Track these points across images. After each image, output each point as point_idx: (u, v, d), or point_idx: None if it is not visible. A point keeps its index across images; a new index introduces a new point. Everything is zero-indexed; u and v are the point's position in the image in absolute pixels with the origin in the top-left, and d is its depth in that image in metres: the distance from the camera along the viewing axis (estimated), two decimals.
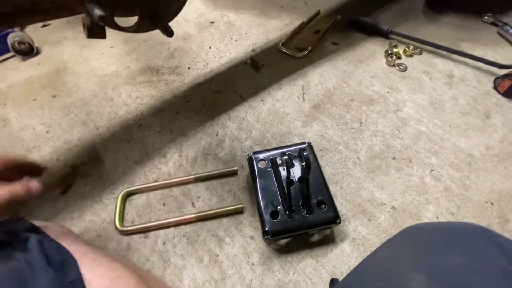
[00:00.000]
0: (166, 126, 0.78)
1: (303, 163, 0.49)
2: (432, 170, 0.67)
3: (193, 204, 0.64)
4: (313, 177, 0.56)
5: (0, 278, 0.31)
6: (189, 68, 0.93)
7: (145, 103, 0.84)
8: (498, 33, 0.95)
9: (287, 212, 0.53)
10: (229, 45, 0.99)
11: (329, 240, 0.58)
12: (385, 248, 0.33)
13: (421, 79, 0.85)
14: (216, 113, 0.80)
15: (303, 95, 0.83)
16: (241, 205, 0.61)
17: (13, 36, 0.95)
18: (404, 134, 0.73)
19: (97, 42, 1.02)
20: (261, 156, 0.61)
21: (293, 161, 0.56)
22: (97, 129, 0.79)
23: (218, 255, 0.57)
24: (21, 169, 0.45)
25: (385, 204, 0.62)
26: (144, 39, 1.02)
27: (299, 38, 1.00)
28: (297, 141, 0.73)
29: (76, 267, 0.36)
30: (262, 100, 0.83)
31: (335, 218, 0.54)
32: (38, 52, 1.01)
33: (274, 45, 0.97)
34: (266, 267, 0.55)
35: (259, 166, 0.60)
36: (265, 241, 0.57)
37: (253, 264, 0.56)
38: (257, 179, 0.58)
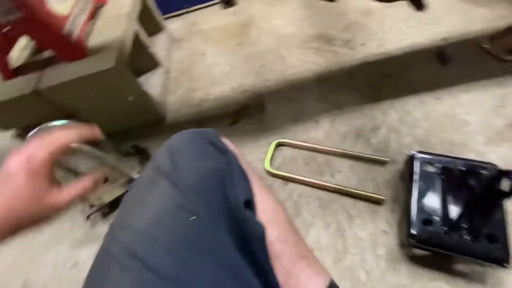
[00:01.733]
0: (325, 95, 0.81)
1: (496, 187, 0.42)
2: None
3: (332, 176, 0.67)
4: (494, 206, 0.48)
5: (207, 171, 0.38)
6: (362, 44, 0.90)
7: (312, 69, 0.88)
8: None
9: (445, 228, 0.49)
10: (415, 28, 0.88)
11: (477, 278, 0.50)
12: None
13: None
14: (379, 97, 0.77)
15: (497, 107, 0.68)
16: (384, 197, 0.60)
17: None
18: None
19: (282, 3, 1.12)
20: (429, 158, 0.56)
21: (474, 179, 0.49)
22: (266, 81, 0.90)
23: (345, 230, 0.60)
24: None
25: None
26: (324, 6, 1.04)
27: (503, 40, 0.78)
28: (472, 158, 0.62)
29: (251, 189, 0.44)
30: (438, 98, 0.73)
31: (503, 259, 0.45)
32: (234, 3, 1.19)
33: (474, 39, 0.80)
34: (391, 266, 0.54)
35: (423, 168, 0.56)
36: (404, 243, 0.54)
37: (378, 255, 0.56)
38: (416, 181, 0.54)
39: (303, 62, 0.91)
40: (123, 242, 0.32)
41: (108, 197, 0.71)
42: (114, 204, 0.74)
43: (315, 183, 0.66)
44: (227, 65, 0.98)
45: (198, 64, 1.02)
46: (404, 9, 0.95)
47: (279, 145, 0.75)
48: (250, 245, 0.36)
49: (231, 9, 1.18)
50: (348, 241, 0.58)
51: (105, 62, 0.68)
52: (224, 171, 0.39)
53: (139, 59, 0.88)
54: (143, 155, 0.79)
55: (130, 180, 0.72)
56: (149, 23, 1.01)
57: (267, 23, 1.07)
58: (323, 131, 0.75)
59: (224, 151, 0.40)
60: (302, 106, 0.81)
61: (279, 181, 0.69)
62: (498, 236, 0.47)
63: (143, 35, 0.90)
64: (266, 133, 0.78)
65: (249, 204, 0.38)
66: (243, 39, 1.05)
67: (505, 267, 0.46)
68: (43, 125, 0.53)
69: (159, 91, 0.92)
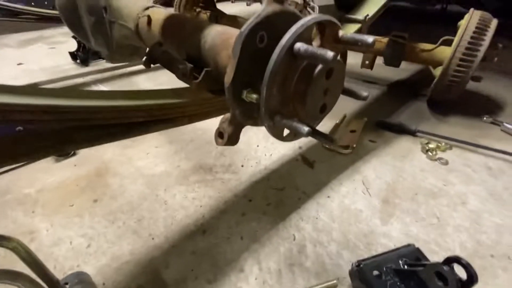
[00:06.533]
0: (234, 230, 0.69)
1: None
2: None
3: None
4: None
5: None
6: (242, 166, 0.91)
7: (205, 205, 0.76)
8: (502, 130, 1.12)
9: None
10: (275, 143, 1.02)
11: None
12: None
13: (466, 172, 0.91)
14: (284, 212, 0.75)
15: (367, 190, 0.82)
16: None
17: None
18: (486, 228, 0.71)
19: (140, 142, 1.01)
20: (372, 265, 0.54)
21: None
22: (153, 239, 0.67)
23: None
24: None
25: None
26: (190, 139, 1.03)
27: (337, 137, 1.08)
28: (383, 241, 0.67)
29: None
30: (328, 197, 0.80)
31: None
32: (74, 153, 0.95)
33: (319, 143, 1.03)
34: None
35: (373, 277, 0.51)
36: None
37: None
38: None
39: (192, 200, 0.78)
40: None
41: None
42: None
43: None
44: (80, 236, 0.67)
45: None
46: (260, 129, 1.11)
47: None
48: None
49: (69, 160, 0.92)
50: None
51: None
52: None
53: None
54: None
55: None
56: None
57: (128, 167, 0.89)
58: (255, 279, 0.59)
59: None
60: (214, 256, 0.63)
61: None
62: None
63: None
64: None
65: None
66: (98, 193, 0.79)
67: None
68: None
69: None
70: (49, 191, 0.80)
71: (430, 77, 1.22)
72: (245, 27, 0.33)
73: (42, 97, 0.34)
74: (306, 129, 0.31)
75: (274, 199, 0.79)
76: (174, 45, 0.53)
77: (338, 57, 0.37)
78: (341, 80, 0.38)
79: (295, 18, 0.37)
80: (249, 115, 0.41)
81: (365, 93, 0.39)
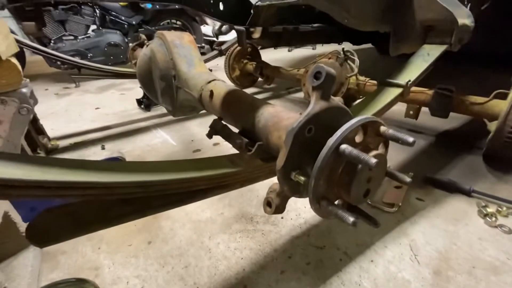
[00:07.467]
0: None
1: None
2: None
3: None
4: None
5: None
6: (282, 217, 0.94)
7: (245, 257, 0.79)
8: None
9: None
10: None
11: None
12: None
13: None
14: (325, 274, 0.74)
15: (415, 257, 0.77)
16: None
17: None
18: None
19: None
20: None
21: None
22: None
23: None
24: None
25: None
26: None
27: (381, 192, 1.05)
28: None
29: None
30: (372, 261, 0.77)
31: None
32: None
33: None
34: None
35: None
36: None
37: None
38: None
39: (234, 251, 0.82)
40: None
41: None
42: None
43: None
44: (135, 277, 0.74)
45: None
46: None
47: None
48: None
49: None
50: None
51: None
52: None
53: None
54: None
55: None
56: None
57: (178, 211, 0.98)
58: None
59: None
60: None
61: None
62: None
63: None
64: None
65: None
66: (152, 235, 0.88)
67: None
68: None
69: None
70: (113, 230, 0.91)
71: (485, 127, 1.16)
72: (297, 124, 0.39)
73: (136, 173, 0.43)
74: (351, 220, 0.35)
75: (313, 258, 0.79)
76: (232, 118, 0.62)
77: (380, 149, 0.41)
78: (383, 167, 0.41)
79: (340, 111, 0.43)
80: (296, 190, 0.46)
81: (408, 179, 0.41)
